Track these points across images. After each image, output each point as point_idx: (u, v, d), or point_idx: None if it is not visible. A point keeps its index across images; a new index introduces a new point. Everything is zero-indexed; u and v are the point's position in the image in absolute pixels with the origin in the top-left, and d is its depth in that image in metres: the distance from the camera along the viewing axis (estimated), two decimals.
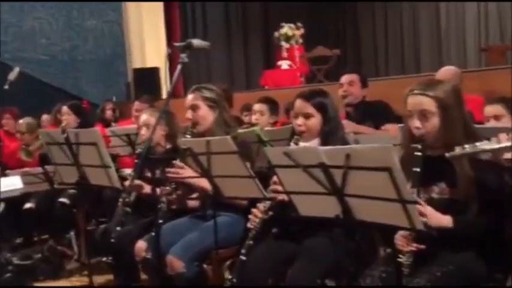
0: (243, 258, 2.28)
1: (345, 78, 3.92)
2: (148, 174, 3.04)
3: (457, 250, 1.97)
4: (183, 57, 2.27)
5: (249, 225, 2.36)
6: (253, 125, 4.05)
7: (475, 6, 9.38)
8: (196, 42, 2.30)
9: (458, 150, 1.82)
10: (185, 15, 9.81)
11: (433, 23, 9.89)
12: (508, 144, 1.77)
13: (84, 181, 2.82)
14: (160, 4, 8.43)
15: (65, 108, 4.55)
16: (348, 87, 3.86)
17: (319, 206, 1.94)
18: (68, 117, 4.50)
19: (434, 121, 2.00)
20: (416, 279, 1.86)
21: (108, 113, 5.18)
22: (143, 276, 3.02)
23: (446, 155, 1.85)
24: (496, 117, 2.96)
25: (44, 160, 4.02)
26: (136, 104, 4.61)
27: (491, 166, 1.93)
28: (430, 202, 1.98)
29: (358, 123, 3.64)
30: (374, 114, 3.69)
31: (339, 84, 3.93)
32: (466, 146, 1.81)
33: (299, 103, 2.44)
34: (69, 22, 7.79)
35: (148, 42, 7.83)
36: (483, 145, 1.79)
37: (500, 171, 1.94)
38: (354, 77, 3.90)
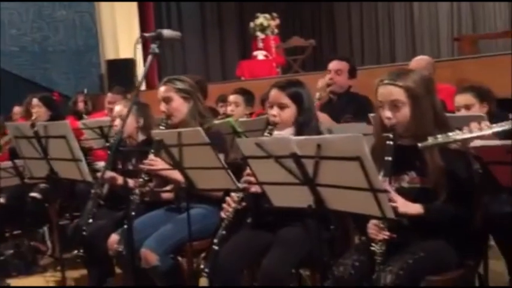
0: (216, 248, 2.27)
1: (333, 65, 3.82)
2: (121, 167, 3.00)
3: (428, 238, 1.99)
4: (154, 47, 2.23)
5: (222, 214, 2.35)
6: (228, 116, 4.03)
7: None
8: (167, 32, 2.26)
9: (430, 140, 1.85)
10: (159, 4, 9.68)
11: (407, 13, 10.00)
12: (479, 133, 1.81)
13: (54, 175, 2.77)
14: None
15: (35, 101, 4.45)
16: (334, 75, 3.78)
17: (291, 196, 1.94)
18: (38, 109, 4.40)
19: (405, 111, 2.02)
20: (389, 267, 1.88)
21: (80, 106, 5.08)
22: (118, 270, 2.99)
23: (419, 145, 1.87)
24: (467, 107, 2.99)
25: (14, 154, 3.93)
26: (109, 96, 4.53)
27: (460, 155, 1.96)
28: (401, 191, 2.00)
29: (339, 113, 3.63)
30: (356, 107, 3.67)
31: (327, 70, 3.84)
32: (439, 136, 1.84)
33: (274, 93, 2.43)
34: (39, 12, 7.60)
35: (122, 33, 7.69)
36: (455, 135, 1.83)
37: (468, 160, 1.97)
38: (342, 65, 3.81)
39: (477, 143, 1.57)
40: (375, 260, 1.94)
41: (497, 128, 1.83)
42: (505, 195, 2.02)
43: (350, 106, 3.70)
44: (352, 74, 3.83)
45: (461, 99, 3.03)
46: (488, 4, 9.04)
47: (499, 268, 2.68)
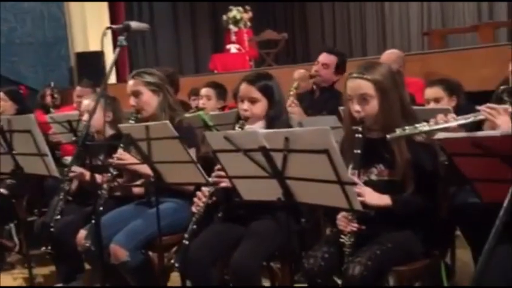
0: (186, 242, 2.26)
1: (322, 58, 3.74)
2: (89, 162, 2.95)
3: (395, 229, 2.02)
4: (121, 40, 2.19)
5: (193, 209, 2.34)
6: (200, 109, 4.00)
7: None
8: (135, 24, 2.23)
9: (398, 131, 1.89)
10: None
11: (379, 7, 10.11)
12: (445, 125, 1.85)
13: (19, 170, 2.70)
14: None
15: (1, 95, 4.34)
16: (320, 67, 3.71)
17: (261, 189, 1.95)
18: (4, 103, 4.30)
19: (374, 104, 2.04)
20: (358, 258, 1.91)
21: (48, 99, 4.97)
22: (87, 266, 2.95)
23: (387, 136, 1.91)
24: (436, 100, 3.03)
25: None
26: (78, 90, 4.43)
27: (426, 147, 2.00)
28: (370, 183, 2.03)
29: (318, 108, 3.61)
30: (334, 105, 3.65)
31: (316, 61, 3.77)
32: (406, 127, 1.89)
33: (244, 87, 2.42)
34: (5, 3, 7.35)
35: (91, 25, 7.50)
36: (422, 127, 1.88)
37: (434, 152, 2.01)
38: (331, 59, 3.71)
39: (441, 135, 1.60)
40: (344, 252, 1.96)
41: (463, 120, 1.88)
42: (470, 186, 2.06)
43: (330, 103, 3.68)
44: (339, 69, 3.69)
45: (431, 92, 3.07)
46: (458, 3, 9.21)
47: (465, 257, 2.75)
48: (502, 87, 2.05)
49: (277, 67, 6.98)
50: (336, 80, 3.74)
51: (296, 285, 2.42)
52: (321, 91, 3.78)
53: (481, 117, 1.88)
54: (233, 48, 8.06)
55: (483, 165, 1.43)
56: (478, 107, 1.96)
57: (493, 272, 1.59)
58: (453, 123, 1.87)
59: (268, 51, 8.02)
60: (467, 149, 1.38)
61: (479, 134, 1.43)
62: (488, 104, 1.86)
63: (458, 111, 2.47)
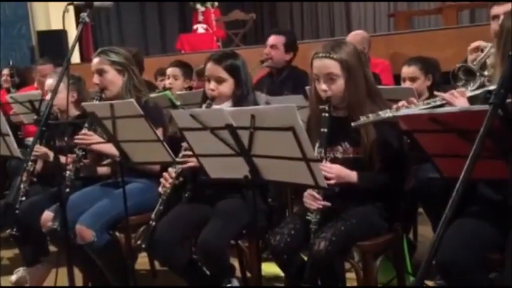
0: (153, 223, 2.26)
1: (269, 40, 3.83)
2: (57, 142, 2.89)
3: (359, 205, 2.07)
4: (84, 16, 2.14)
5: (159, 190, 2.33)
6: (166, 89, 3.96)
7: None
8: (97, 1, 2.17)
9: (362, 119, 1.97)
10: None
11: None
12: (406, 111, 1.91)
13: None
14: None
15: None
16: (269, 50, 3.80)
17: (228, 167, 1.95)
18: None
19: (340, 83, 2.07)
20: (323, 234, 1.95)
21: (6, 79, 4.78)
22: (52, 249, 2.92)
23: (352, 124, 1.98)
24: (412, 79, 3.04)
25: None
26: (39, 68, 4.26)
27: (392, 127, 2.04)
28: (335, 161, 2.07)
29: (278, 89, 3.64)
30: (294, 83, 3.68)
31: (265, 45, 3.87)
32: (370, 115, 1.97)
33: (210, 66, 2.40)
34: None
35: (53, 2, 7.24)
36: (384, 113, 1.96)
37: (399, 132, 2.05)
38: (279, 40, 3.81)
39: (401, 112, 1.65)
40: (311, 229, 2.00)
41: (423, 106, 1.95)
42: (430, 163, 2.13)
43: (289, 82, 3.72)
44: (289, 48, 3.79)
45: (408, 71, 3.06)
46: None
47: (427, 233, 2.85)
48: (457, 65, 2.11)
49: (245, 47, 6.95)
50: (289, 59, 3.82)
51: (264, 262, 2.45)
52: (278, 72, 3.84)
53: (440, 102, 1.95)
54: (200, 28, 7.96)
55: (442, 141, 1.48)
56: (436, 93, 2.03)
57: (455, 246, 1.66)
58: (414, 109, 1.93)
59: (236, 32, 7.96)
60: (427, 125, 1.42)
61: (438, 110, 1.47)
62: (445, 94, 1.95)
63: (435, 89, 2.51)
